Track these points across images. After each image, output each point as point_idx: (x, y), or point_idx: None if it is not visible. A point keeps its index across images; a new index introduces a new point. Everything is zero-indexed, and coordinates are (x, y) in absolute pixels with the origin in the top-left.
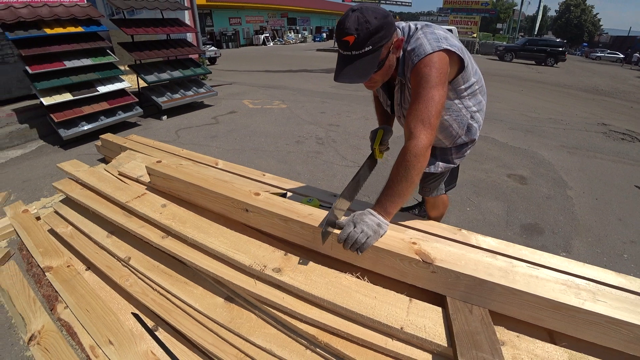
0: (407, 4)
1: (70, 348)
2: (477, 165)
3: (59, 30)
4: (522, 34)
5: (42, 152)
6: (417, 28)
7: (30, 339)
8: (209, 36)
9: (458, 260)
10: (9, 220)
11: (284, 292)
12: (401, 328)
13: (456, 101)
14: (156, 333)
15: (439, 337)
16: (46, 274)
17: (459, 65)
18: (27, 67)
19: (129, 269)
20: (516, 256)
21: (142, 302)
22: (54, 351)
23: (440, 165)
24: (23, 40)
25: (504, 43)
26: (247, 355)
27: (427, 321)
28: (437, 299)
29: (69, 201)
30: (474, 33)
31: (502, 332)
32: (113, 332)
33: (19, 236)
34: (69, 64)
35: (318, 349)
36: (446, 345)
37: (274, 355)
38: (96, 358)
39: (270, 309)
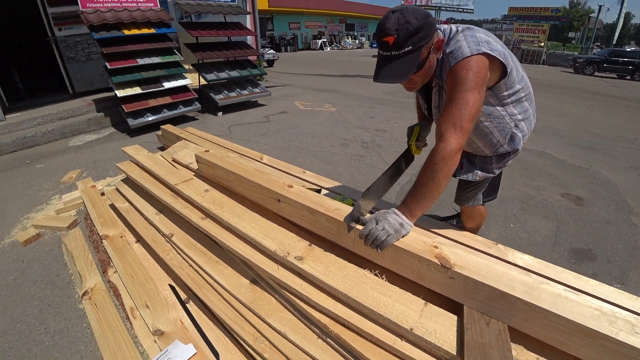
0: (469, 10)
1: (114, 306)
2: (528, 181)
3: (135, 31)
4: (599, 43)
5: (112, 138)
6: (457, 30)
7: (83, 294)
8: (268, 40)
9: (479, 269)
10: (79, 193)
11: (303, 280)
12: (411, 329)
13: (498, 108)
14: (187, 305)
15: (449, 344)
16: (103, 241)
17: (501, 70)
18: (106, 63)
19: (171, 245)
20: (555, 278)
21: (178, 275)
22: (101, 307)
23: (479, 174)
24: (105, 40)
25: (575, 53)
26: (262, 335)
27: (439, 326)
28: (454, 308)
29: (128, 181)
30: (541, 42)
31: (519, 351)
32: (150, 297)
33: (85, 207)
34: (140, 61)
35: (329, 339)
36: (455, 353)
37: (287, 338)
38: (134, 318)
39: (289, 294)
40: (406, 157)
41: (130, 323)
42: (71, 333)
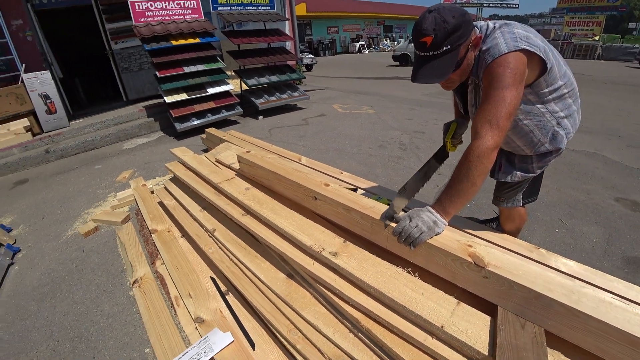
0: (514, 5)
1: (160, 295)
2: (578, 184)
3: (182, 41)
4: None
5: (161, 141)
6: (495, 27)
7: (134, 282)
8: (307, 44)
9: (515, 268)
10: (132, 191)
11: (337, 275)
12: (441, 327)
13: (538, 105)
14: (226, 297)
15: (481, 344)
16: (152, 235)
17: (541, 66)
18: (156, 72)
19: (213, 239)
20: (604, 287)
21: (219, 267)
22: (149, 295)
23: (518, 175)
24: (155, 50)
25: (636, 46)
26: (296, 327)
27: (471, 326)
28: (488, 309)
29: (175, 180)
30: (595, 35)
31: (557, 357)
32: (193, 288)
33: (137, 204)
34: (187, 69)
35: (360, 334)
36: (487, 354)
37: (319, 331)
38: (178, 306)
39: (323, 289)
40: (441, 154)
41: (175, 310)
42: (122, 316)
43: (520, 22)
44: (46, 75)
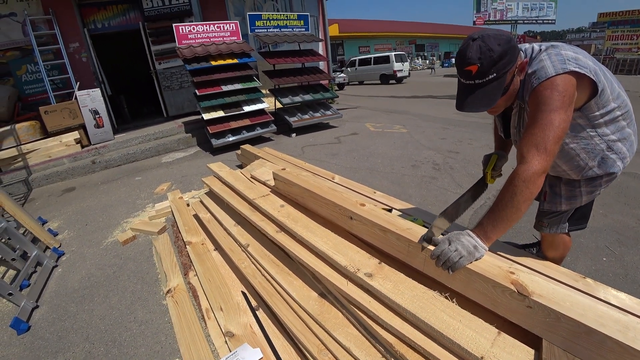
0: (550, 21)
1: (192, 306)
2: (627, 209)
3: (220, 62)
4: None
5: (197, 156)
6: (540, 50)
7: (167, 292)
8: (339, 64)
9: (562, 299)
10: (168, 203)
11: (371, 297)
12: (481, 358)
13: (588, 129)
14: (257, 312)
15: None
16: (187, 246)
17: (591, 89)
18: (196, 90)
19: (246, 254)
20: None
21: (251, 282)
22: (182, 305)
23: (564, 204)
24: (195, 70)
25: None
26: (327, 347)
27: (513, 359)
28: (532, 341)
29: (211, 194)
30: None
31: None
32: (224, 301)
33: (173, 216)
34: (224, 87)
35: (393, 359)
36: None
37: (351, 354)
38: (208, 318)
39: (356, 310)
40: (480, 185)
41: (205, 322)
42: (155, 325)
43: (557, 38)
44: (97, 92)
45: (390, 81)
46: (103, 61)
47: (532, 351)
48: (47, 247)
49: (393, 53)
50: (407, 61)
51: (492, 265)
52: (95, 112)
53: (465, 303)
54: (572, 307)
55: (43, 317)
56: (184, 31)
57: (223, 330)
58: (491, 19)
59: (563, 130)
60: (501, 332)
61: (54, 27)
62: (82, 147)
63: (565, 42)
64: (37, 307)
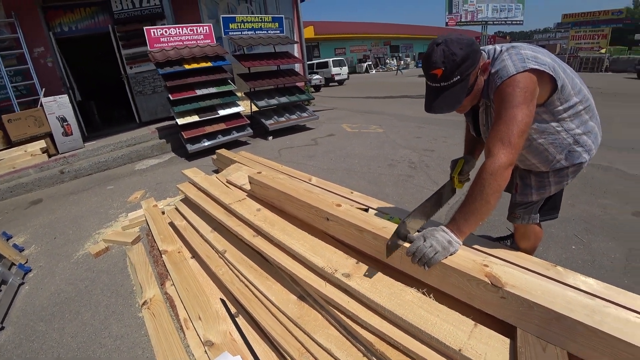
0: (518, 22)
1: (169, 316)
2: (593, 199)
3: (194, 65)
4: None
5: (172, 162)
6: (502, 50)
7: (143, 304)
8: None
9: (533, 288)
10: (143, 212)
11: (349, 297)
12: (459, 350)
13: (553, 124)
14: (236, 319)
15: None
16: (162, 256)
17: (552, 84)
18: (169, 95)
19: (224, 260)
20: (628, 306)
21: (229, 289)
22: (158, 316)
23: (535, 195)
24: (168, 74)
25: None
26: (308, 350)
27: (490, 349)
28: (507, 331)
29: (186, 201)
30: (601, 48)
31: None
32: (203, 310)
33: (147, 224)
34: (199, 91)
35: (374, 357)
36: None
37: (332, 355)
38: (187, 329)
39: (335, 311)
40: (448, 189)
41: (184, 333)
42: (131, 339)
43: (525, 38)
44: (64, 98)
45: (331, 83)
46: (71, 66)
47: (508, 340)
48: (13, 264)
49: (331, 59)
50: (345, 66)
51: (466, 259)
52: (62, 120)
53: (442, 297)
54: (543, 295)
55: (9, 338)
56: (156, 34)
57: (202, 340)
58: (462, 20)
59: (526, 125)
60: (477, 324)
61: (17, 30)
62: (50, 156)
63: (532, 42)
64: (2, 328)
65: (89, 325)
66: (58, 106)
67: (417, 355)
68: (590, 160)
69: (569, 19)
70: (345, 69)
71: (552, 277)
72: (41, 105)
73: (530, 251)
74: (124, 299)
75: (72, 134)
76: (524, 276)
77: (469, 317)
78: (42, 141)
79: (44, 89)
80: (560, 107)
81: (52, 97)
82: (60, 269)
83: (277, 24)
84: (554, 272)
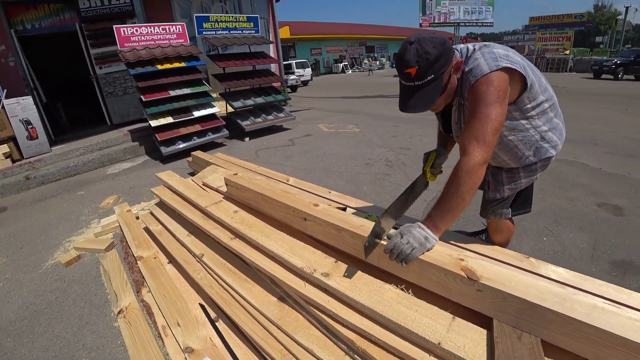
0: (489, 24)
1: (147, 324)
2: (561, 192)
3: (167, 65)
4: (629, 45)
5: (146, 165)
6: (474, 49)
7: (119, 313)
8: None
9: (507, 280)
10: (116, 217)
11: (329, 296)
12: (439, 343)
13: (523, 121)
14: (216, 323)
15: (478, 358)
16: (138, 262)
17: (522, 83)
18: (141, 96)
19: (201, 265)
20: (594, 292)
21: (208, 293)
22: (135, 325)
23: (506, 190)
24: (140, 75)
25: (604, 58)
26: (290, 352)
27: (468, 341)
28: (484, 322)
29: (161, 205)
30: (566, 50)
31: None
32: (182, 316)
33: (121, 230)
34: (172, 92)
35: (356, 355)
36: None
37: (314, 355)
38: (165, 336)
39: (316, 311)
40: (421, 183)
41: (162, 341)
42: (106, 350)
43: (495, 39)
44: (28, 100)
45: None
46: (36, 66)
47: (485, 331)
48: None
49: (294, 61)
50: (308, 67)
51: (443, 254)
52: (27, 123)
53: (421, 293)
54: (517, 286)
55: None
56: (126, 33)
57: (182, 347)
58: (436, 21)
59: (500, 123)
60: (455, 317)
61: None
62: (13, 161)
63: (502, 43)
64: None
65: (61, 338)
66: (22, 108)
67: (398, 351)
68: (556, 155)
69: (535, 22)
70: (308, 70)
71: (525, 268)
72: (3, 107)
73: (504, 244)
74: (98, 309)
75: (37, 138)
76: (498, 269)
77: (447, 310)
78: (5, 146)
79: (5, 90)
80: (528, 105)
81: (15, 98)
82: (27, 281)
83: (252, 24)
84: (527, 264)
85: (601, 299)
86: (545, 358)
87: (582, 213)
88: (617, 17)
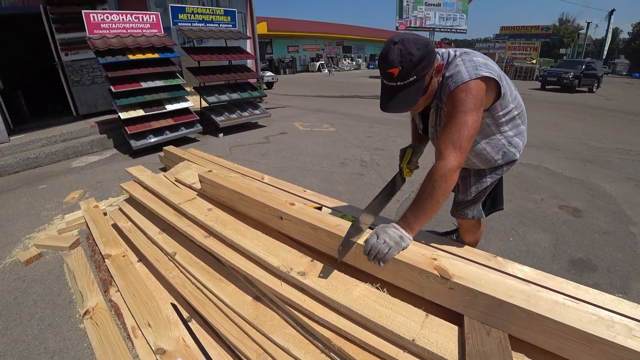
0: (462, 31)
1: (115, 326)
2: (526, 194)
3: (139, 56)
4: (589, 58)
5: (114, 159)
6: (456, 55)
7: (85, 314)
8: (268, 63)
9: (477, 278)
10: (82, 213)
11: (305, 295)
12: (413, 340)
13: (493, 127)
14: (189, 324)
15: (450, 354)
16: (105, 260)
17: (496, 92)
18: (111, 87)
19: (174, 263)
20: (555, 289)
21: (181, 293)
22: (102, 326)
23: (473, 192)
24: (110, 64)
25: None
26: (266, 351)
27: (441, 337)
28: (455, 319)
29: (131, 201)
30: (533, 59)
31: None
32: (153, 316)
33: (88, 227)
34: (144, 84)
35: (332, 353)
36: None
37: (290, 354)
38: (135, 337)
39: (292, 310)
40: (398, 179)
41: (132, 342)
42: (71, 353)
43: (468, 45)
44: None
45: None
46: None
47: (456, 327)
48: None
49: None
50: (271, 70)
51: (417, 253)
52: None
53: (395, 291)
54: (486, 284)
55: None
56: (96, 19)
57: (153, 348)
58: (412, 25)
59: (475, 130)
60: (429, 314)
61: None
62: None
63: (474, 49)
64: None
65: (21, 342)
66: None
67: (373, 348)
68: (521, 159)
69: (506, 31)
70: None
71: (494, 267)
72: None
73: (474, 244)
74: (61, 310)
75: None
76: (469, 267)
77: (420, 308)
78: None
79: None
80: (500, 113)
81: None
82: None
83: (229, 18)
84: (495, 263)
85: (562, 295)
86: (512, 352)
87: (545, 215)
88: (580, 31)
